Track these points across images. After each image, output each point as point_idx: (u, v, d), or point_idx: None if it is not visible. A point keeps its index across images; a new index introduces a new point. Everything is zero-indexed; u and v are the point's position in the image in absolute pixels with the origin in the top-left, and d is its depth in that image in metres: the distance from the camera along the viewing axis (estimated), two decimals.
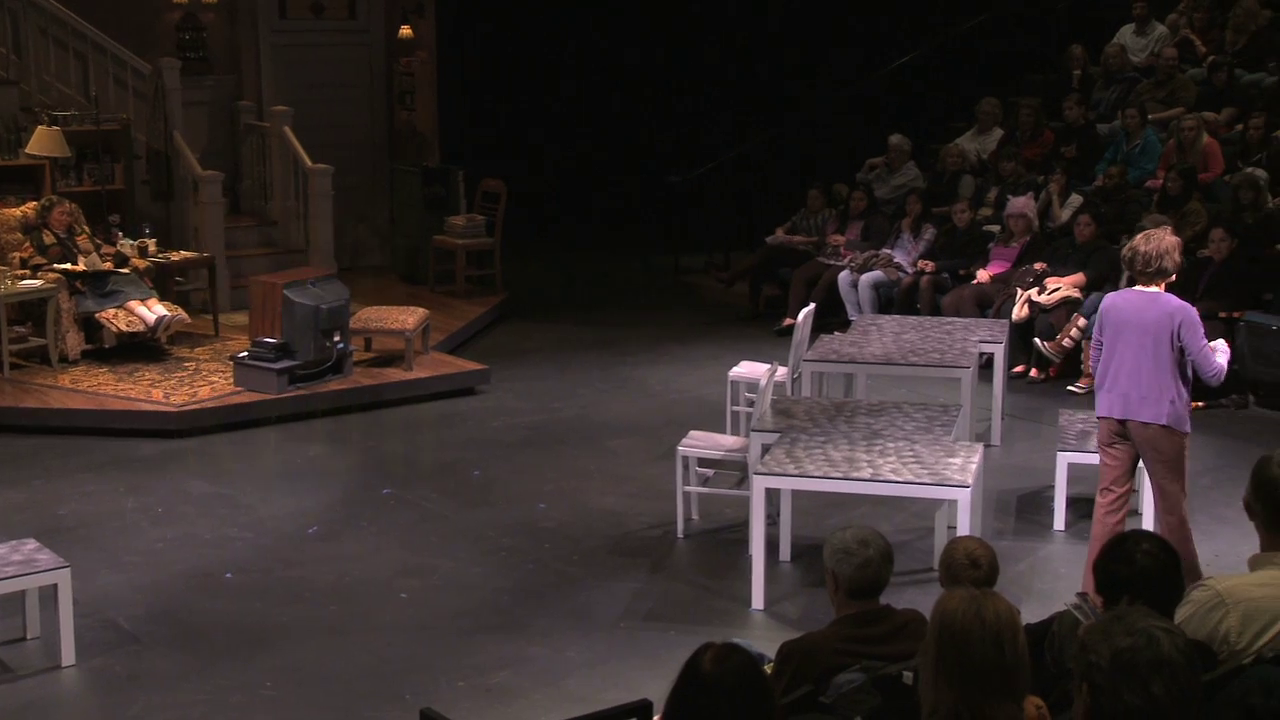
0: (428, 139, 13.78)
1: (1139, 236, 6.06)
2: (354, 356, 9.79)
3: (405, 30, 13.74)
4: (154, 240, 10.82)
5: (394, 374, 9.86)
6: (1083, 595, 3.93)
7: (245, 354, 9.43)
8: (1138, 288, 6.01)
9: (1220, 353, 6.00)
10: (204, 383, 9.48)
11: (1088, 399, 9.54)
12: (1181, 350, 5.86)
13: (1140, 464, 6.13)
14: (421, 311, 10.28)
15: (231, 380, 9.42)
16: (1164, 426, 5.90)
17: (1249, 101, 11.87)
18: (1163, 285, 5.97)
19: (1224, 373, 5.97)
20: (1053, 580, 6.56)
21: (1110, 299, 6.14)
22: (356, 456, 8.64)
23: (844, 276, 11.35)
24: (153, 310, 9.96)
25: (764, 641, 4.89)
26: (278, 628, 6.19)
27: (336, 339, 9.46)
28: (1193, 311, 5.94)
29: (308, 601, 6.48)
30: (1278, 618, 3.69)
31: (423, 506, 7.73)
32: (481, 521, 7.49)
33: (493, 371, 10.16)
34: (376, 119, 13.86)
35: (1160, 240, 5.94)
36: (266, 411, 9.12)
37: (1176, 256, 5.97)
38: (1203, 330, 5.92)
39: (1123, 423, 5.99)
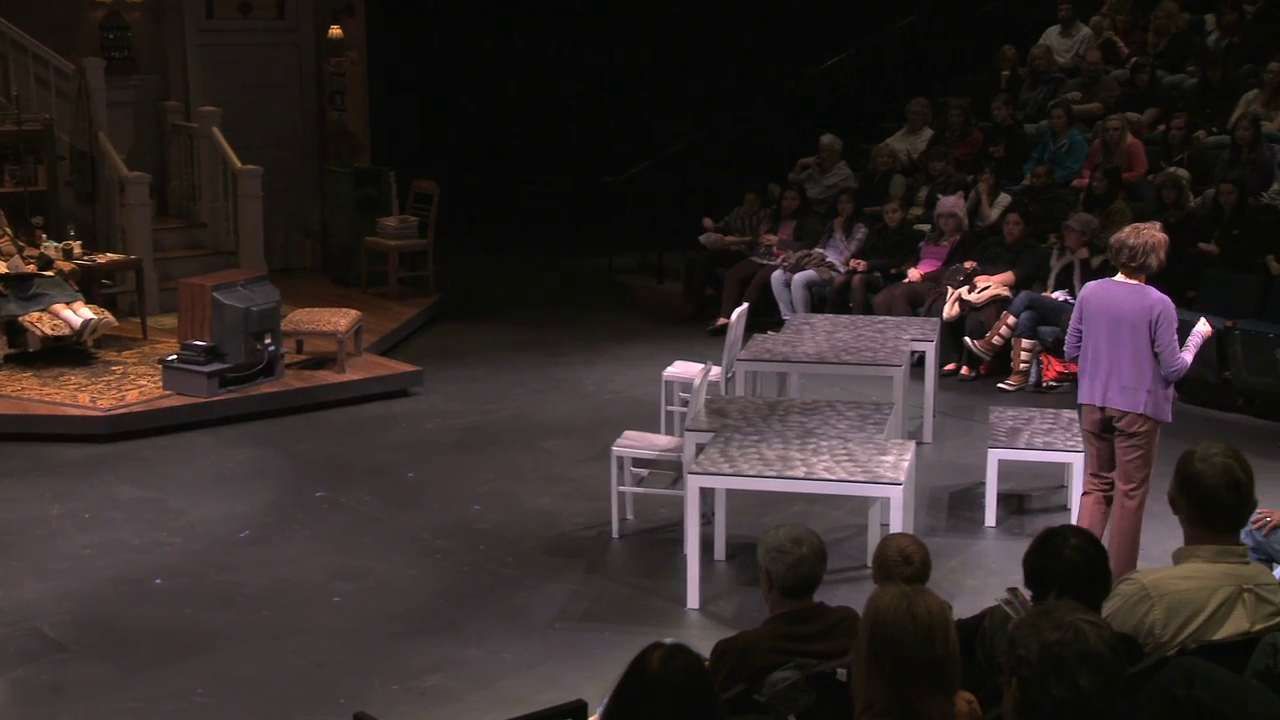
0: (359, 140, 13.68)
1: (1128, 230, 6.17)
2: (285, 359, 9.70)
3: (335, 30, 13.63)
4: (79, 242, 10.64)
5: (326, 376, 9.78)
6: (1013, 590, 3.96)
7: (174, 357, 9.31)
8: (1119, 278, 6.12)
9: (1192, 345, 6.13)
10: (132, 387, 9.35)
11: (1018, 396, 9.68)
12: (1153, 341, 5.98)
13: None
14: (354, 313, 10.21)
15: (160, 384, 9.29)
16: (1140, 415, 6.02)
17: (1170, 102, 12.08)
18: (1144, 279, 6.07)
19: (1185, 370, 6.07)
20: (984, 576, 6.62)
21: (1091, 288, 6.25)
22: (289, 460, 8.56)
23: (777, 276, 11.40)
24: (78, 313, 9.80)
25: (699, 640, 4.90)
26: (209, 633, 6.12)
27: (267, 341, 9.37)
28: (1171, 306, 6.05)
29: (239, 606, 6.41)
30: (1201, 610, 3.76)
31: (356, 509, 7.67)
32: (416, 523, 7.45)
33: (426, 373, 10.11)
34: (307, 120, 13.74)
35: (1149, 236, 6.05)
36: (196, 415, 9.02)
37: (1162, 255, 6.08)
38: (1176, 326, 6.03)
39: (1103, 409, 6.11)
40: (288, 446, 8.79)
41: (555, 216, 15.86)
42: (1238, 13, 12.71)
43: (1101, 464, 6.26)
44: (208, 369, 9.10)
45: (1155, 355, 5.98)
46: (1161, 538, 6.63)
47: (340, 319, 9.95)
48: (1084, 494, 6.42)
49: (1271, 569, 4.97)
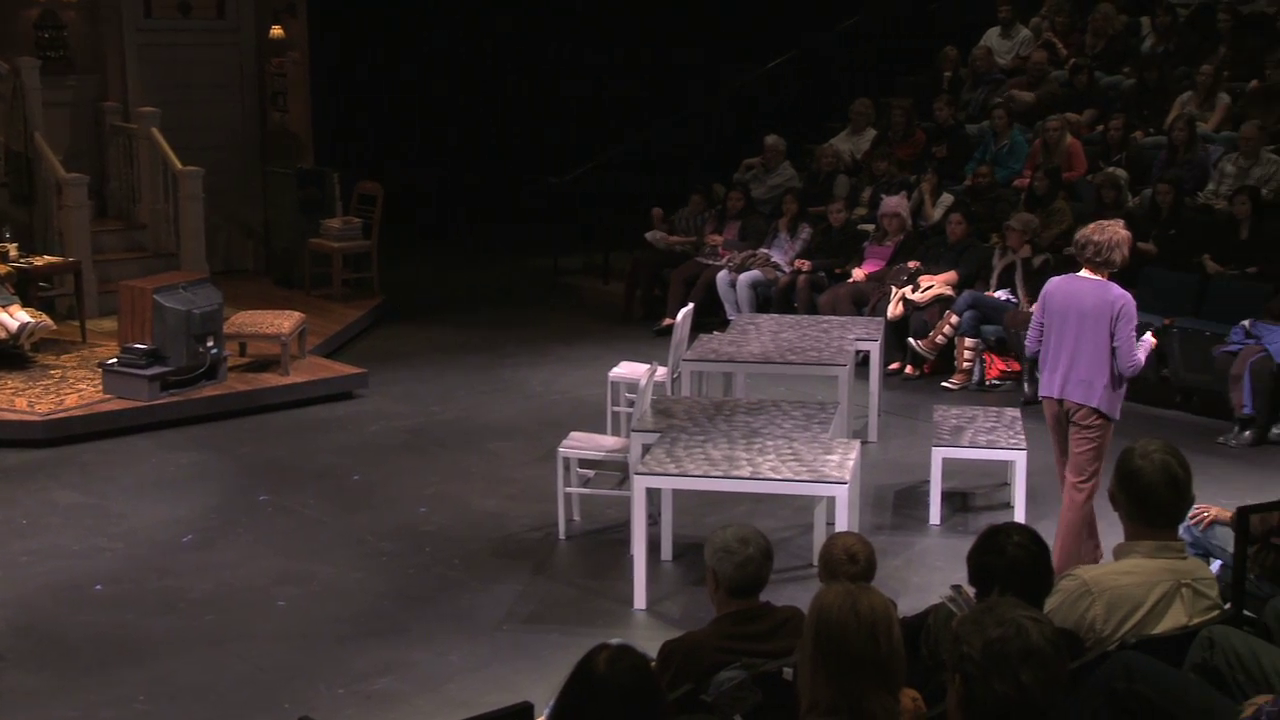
0: (301, 140, 13.58)
1: (1092, 226, 6.26)
2: (228, 362, 9.62)
3: (276, 30, 13.52)
4: (15, 245, 10.48)
5: (270, 379, 9.70)
6: (957, 588, 4.00)
7: (114, 361, 9.21)
8: (1083, 274, 6.21)
9: (1143, 348, 6.23)
10: (71, 391, 9.23)
11: (962, 395, 9.76)
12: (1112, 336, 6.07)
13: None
14: (297, 315, 10.13)
15: (100, 388, 9.18)
16: (1094, 409, 6.12)
17: (1108, 103, 12.23)
18: (1108, 275, 6.17)
19: (1139, 369, 6.16)
20: (929, 574, 6.67)
21: (1054, 283, 6.33)
22: (232, 463, 8.48)
23: (722, 276, 11.43)
24: (15, 317, 9.66)
25: (646, 641, 4.90)
26: (150, 640, 6.05)
27: (210, 344, 9.29)
28: (1132, 303, 6.16)
29: (182, 612, 6.34)
30: (1140, 604, 3.81)
31: (301, 512, 7.62)
32: (361, 526, 7.40)
33: (371, 375, 10.06)
34: (248, 120, 13.61)
35: (1114, 233, 6.15)
36: (137, 419, 8.92)
37: (1125, 250, 6.19)
38: (1135, 324, 6.13)
39: (1061, 402, 6.20)
40: (231, 450, 8.71)
41: (500, 217, 15.81)
42: (1171, 16, 12.89)
43: (1066, 453, 6.37)
44: (149, 372, 9.00)
45: (1113, 350, 6.06)
46: (1103, 534, 6.72)
47: (284, 321, 9.88)
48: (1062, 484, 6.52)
49: (1208, 564, 5.05)
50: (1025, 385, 9.66)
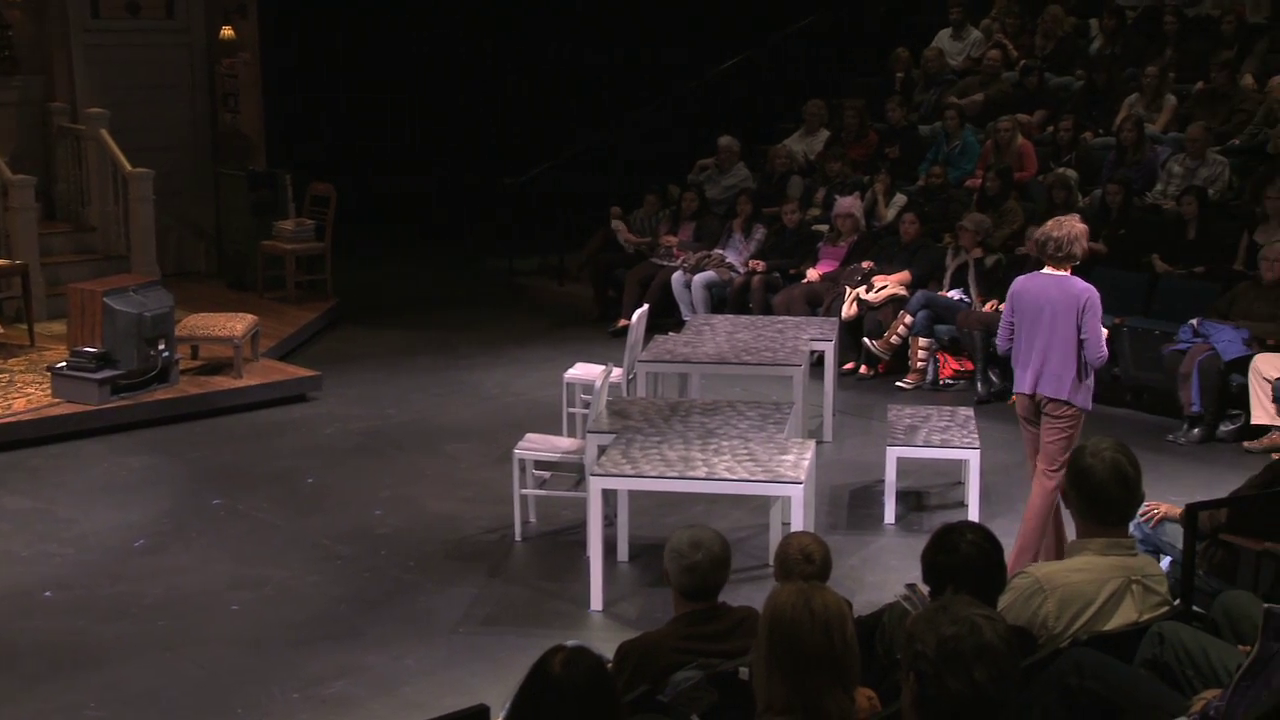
0: (253, 142, 13.48)
1: (1050, 223, 6.39)
2: (180, 365, 9.54)
3: (227, 31, 13.41)
4: None
5: (223, 382, 9.63)
6: (912, 586, 4.03)
7: (64, 364, 9.11)
8: (1046, 270, 6.32)
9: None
10: (19, 395, 9.12)
11: (916, 394, 9.82)
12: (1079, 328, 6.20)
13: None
14: (250, 318, 10.06)
15: (49, 392, 9.08)
16: (1065, 401, 6.23)
17: (1059, 104, 12.34)
18: (1070, 269, 6.29)
19: (1107, 358, 6.31)
20: (884, 573, 6.71)
21: (1021, 282, 6.44)
22: (184, 467, 8.41)
23: (677, 277, 11.45)
24: None
25: (603, 642, 4.90)
26: (102, 646, 5.99)
27: (161, 347, 9.21)
28: (1097, 295, 6.28)
29: (134, 617, 6.28)
30: (1092, 601, 3.85)
31: (254, 516, 7.56)
32: (315, 530, 7.36)
33: (325, 377, 10.00)
34: (199, 122, 13.50)
35: (1071, 227, 6.30)
36: (87, 423, 8.82)
37: (1085, 243, 6.36)
38: (1101, 315, 6.26)
39: (1032, 396, 6.31)
40: (183, 454, 8.64)
41: (455, 218, 15.76)
42: (1118, 19, 13.03)
43: (1035, 450, 6.45)
44: (99, 376, 8.91)
45: (1081, 342, 6.19)
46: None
47: (236, 324, 9.81)
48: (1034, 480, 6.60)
49: (1159, 561, 5.11)
50: (979, 385, 9.74)
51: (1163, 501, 5.75)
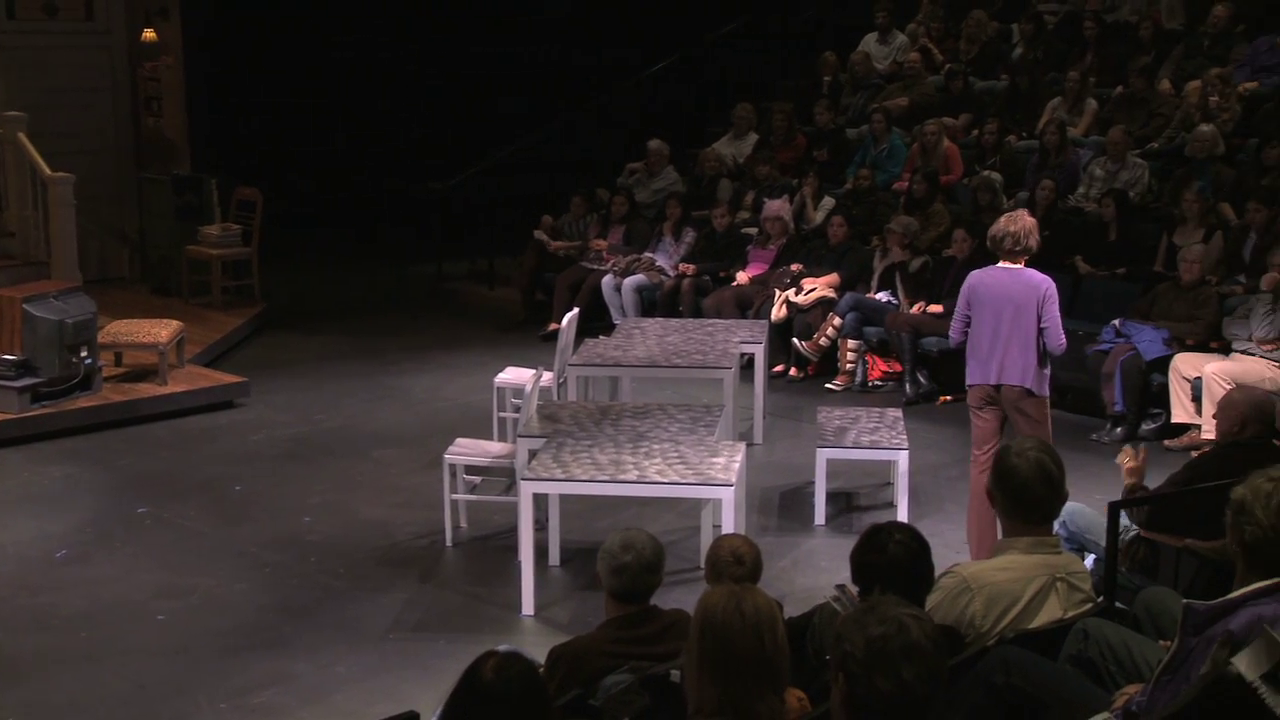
0: (177, 146, 13.31)
1: (1004, 219, 6.56)
2: (103, 372, 9.39)
3: (148, 34, 13.23)
4: None
5: (148, 389, 9.50)
6: (841, 587, 4.05)
7: None
8: (1003, 264, 6.48)
9: None
10: None
11: (845, 396, 9.90)
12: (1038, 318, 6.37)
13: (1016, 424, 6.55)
14: (175, 324, 9.93)
15: None
16: (1029, 390, 6.40)
17: (983, 108, 12.49)
18: (1024, 261, 6.45)
19: (1065, 345, 6.47)
20: (815, 574, 6.74)
21: (978, 276, 6.57)
22: (108, 476, 8.28)
23: (607, 280, 11.45)
24: None
25: (535, 646, 4.90)
26: (23, 658, 5.88)
27: (83, 354, 9.07)
28: (1054, 286, 6.45)
29: (56, 629, 6.17)
30: (1018, 600, 3.90)
31: (181, 525, 7.46)
32: (243, 538, 7.28)
33: (252, 384, 9.90)
34: (121, 125, 13.31)
35: (1024, 220, 6.49)
36: (6, 432, 8.67)
37: (1037, 235, 6.55)
38: (1058, 303, 6.44)
39: (996, 388, 6.44)
40: (107, 462, 8.51)
41: (383, 223, 15.66)
42: (1038, 24, 13.21)
43: (985, 438, 6.55)
44: (18, 384, 8.76)
45: (1040, 331, 6.35)
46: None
47: (161, 330, 9.68)
48: (971, 465, 6.70)
49: (1083, 558, 5.19)
50: (907, 386, 9.83)
51: (1083, 499, 5.83)
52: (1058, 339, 6.37)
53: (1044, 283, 6.41)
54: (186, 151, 13.37)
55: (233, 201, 12.66)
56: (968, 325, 6.51)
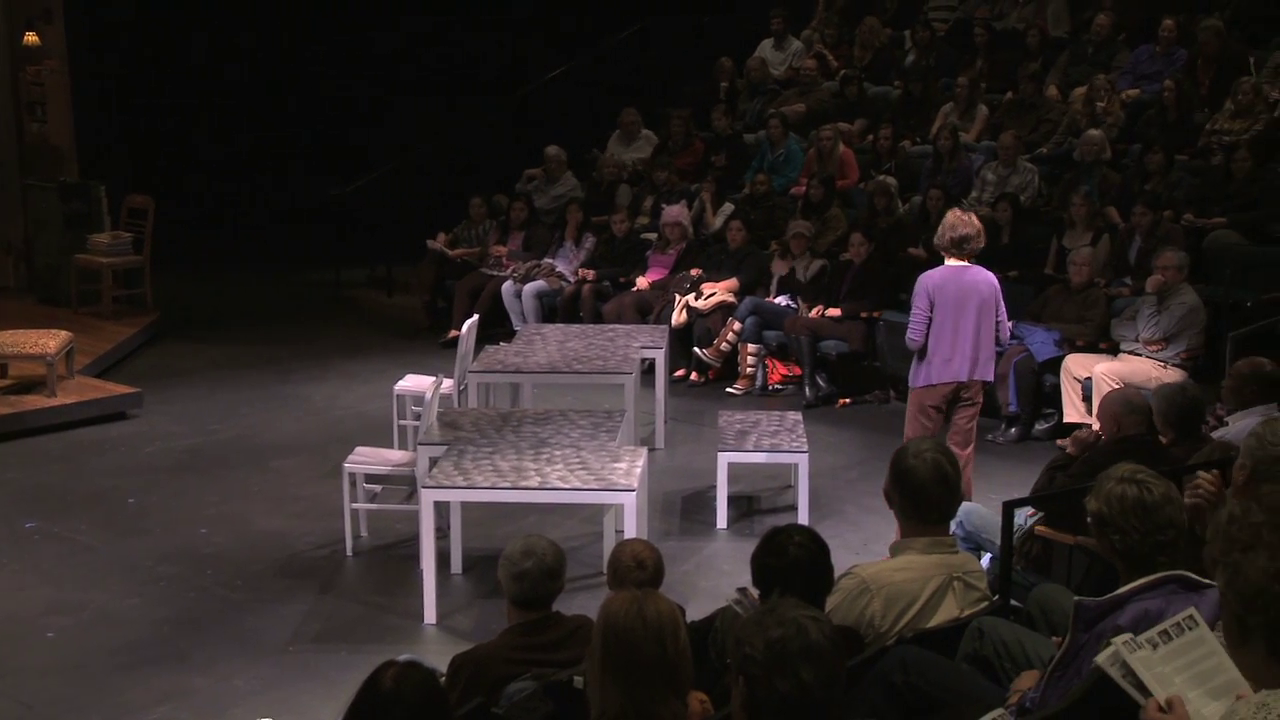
0: (64, 152, 13.00)
1: (954, 220, 6.79)
2: None
3: (31, 37, 12.91)
4: None
5: (36, 401, 9.28)
6: (743, 590, 4.08)
7: None
8: (953, 263, 6.70)
9: None
10: None
11: (745, 400, 9.96)
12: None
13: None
14: (64, 334, 9.71)
15: None
16: (986, 382, 6.77)
17: (877, 113, 12.66)
18: (970, 260, 6.73)
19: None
20: (717, 577, 6.78)
21: (938, 277, 6.75)
22: None
23: (507, 287, 11.42)
24: None
25: (437, 655, 4.87)
26: None
27: None
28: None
29: None
30: (916, 599, 3.96)
31: (71, 539, 7.30)
32: (137, 551, 7.13)
33: (146, 394, 9.71)
34: (4, 132, 12.97)
35: (972, 221, 6.75)
36: None
37: (984, 235, 6.84)
38: None
39: (965, 384, 6.66)
40: None
41: (279, 229, 15.45)
42: (929, 31, 13.43)
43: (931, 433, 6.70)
44: None
45: (996, 324, 6.69)
46: (880, 531, 6.94)
47: (49, 340, 9.46)
48: None
49: (979, 558, 5.28)
50: (807, 390, 9.91)
51: (979, 498, 5.94)
52: (1008, 332, 6.80)
53: (994, 279, 6.76)
54: (74, 158, 13.06)
55: (124, 209, 12.41)
56: (929, 326, 6.68)
